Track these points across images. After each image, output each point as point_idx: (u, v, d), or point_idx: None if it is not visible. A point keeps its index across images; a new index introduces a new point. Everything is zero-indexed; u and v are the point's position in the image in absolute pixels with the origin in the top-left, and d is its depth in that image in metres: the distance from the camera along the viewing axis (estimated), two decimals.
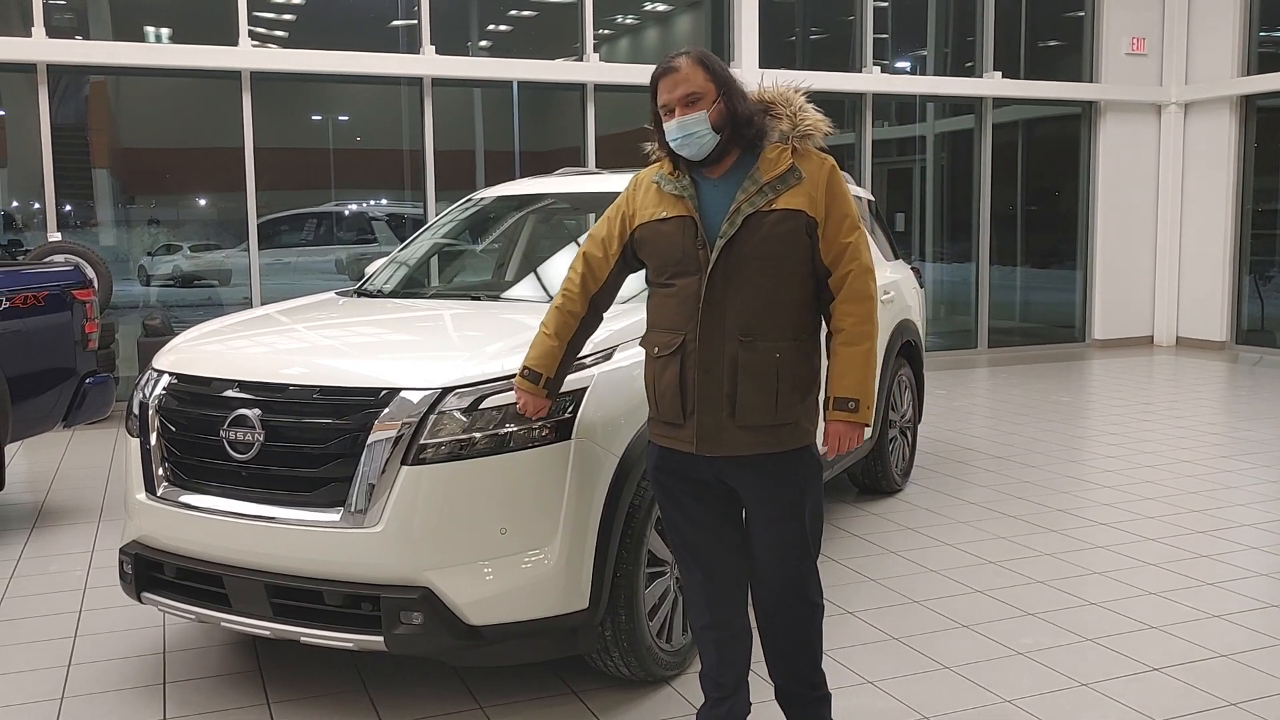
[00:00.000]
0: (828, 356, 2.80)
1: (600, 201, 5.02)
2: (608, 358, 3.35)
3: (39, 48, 8.40)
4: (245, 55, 8.94)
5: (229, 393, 3.30)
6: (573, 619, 3.17)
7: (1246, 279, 12.08)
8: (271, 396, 3.23)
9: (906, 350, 6.00)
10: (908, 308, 6.05)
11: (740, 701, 3.02)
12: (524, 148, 10.58)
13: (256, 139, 9.14)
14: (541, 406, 3.03)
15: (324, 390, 3.19)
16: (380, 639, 3.04)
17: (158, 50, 9.18)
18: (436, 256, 5.12)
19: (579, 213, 5.27)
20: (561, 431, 3.14)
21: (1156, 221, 12.58)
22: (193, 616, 3.37)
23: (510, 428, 3.08)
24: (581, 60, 10.10)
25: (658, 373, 2.80)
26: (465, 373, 3.13)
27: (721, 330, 2.69)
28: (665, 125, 2.73)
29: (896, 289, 6.01)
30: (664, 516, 2.96)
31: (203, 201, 10.62)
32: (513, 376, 3.11)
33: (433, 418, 3.04)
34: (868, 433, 2.87)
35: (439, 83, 9.70)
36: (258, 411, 3.20)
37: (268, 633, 3.22)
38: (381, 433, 3.04)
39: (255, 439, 3.18)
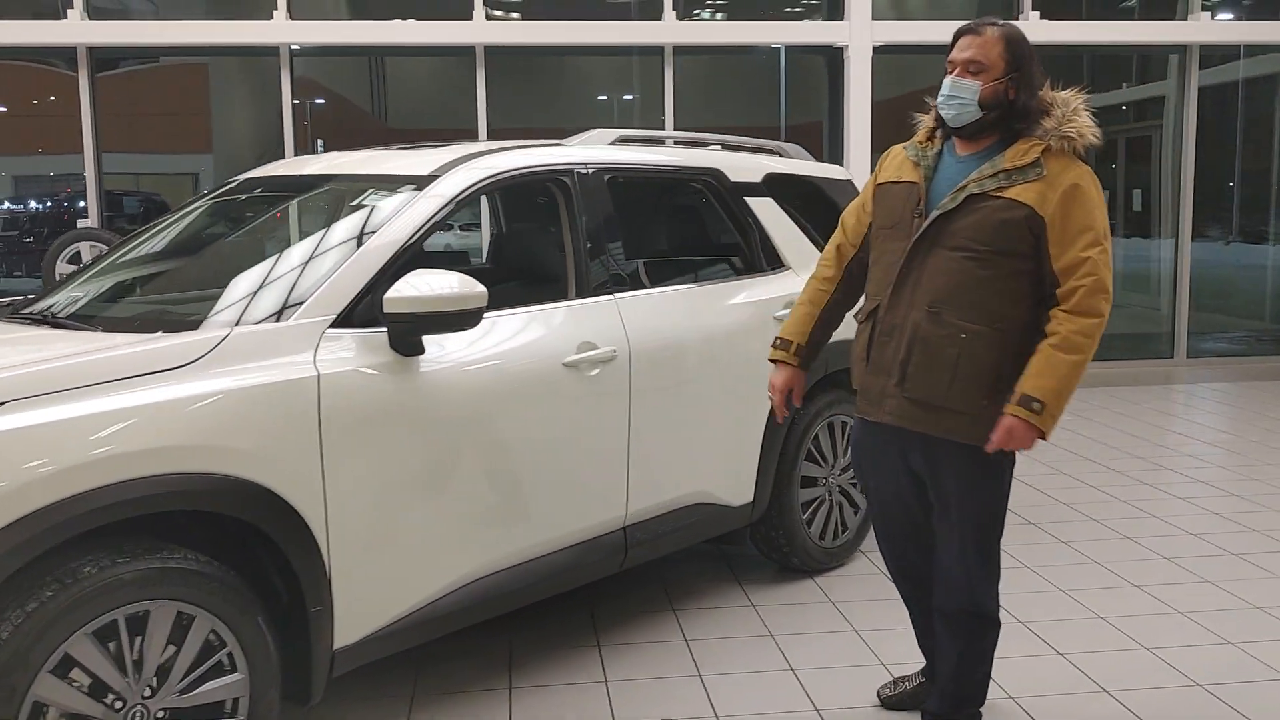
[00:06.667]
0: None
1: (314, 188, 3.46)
2: None
3: None
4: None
5: None
6: None
7: None
8: None
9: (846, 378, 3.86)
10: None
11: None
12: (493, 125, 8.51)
13: None
14: (791, 379, 3.03)
15: None
16: None
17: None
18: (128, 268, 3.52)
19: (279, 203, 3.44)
20: None
21: None
22: None
23: None
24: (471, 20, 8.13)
25: (855, 339, 2.91)
26: None
27: (911, 298, 2.73)
28: (944, 80, 2.80)
29: None
30: (859, 482, 3.23)
31: None
32: None
33: None
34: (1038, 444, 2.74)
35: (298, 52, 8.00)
36: None
37: None
38: None
39: None
